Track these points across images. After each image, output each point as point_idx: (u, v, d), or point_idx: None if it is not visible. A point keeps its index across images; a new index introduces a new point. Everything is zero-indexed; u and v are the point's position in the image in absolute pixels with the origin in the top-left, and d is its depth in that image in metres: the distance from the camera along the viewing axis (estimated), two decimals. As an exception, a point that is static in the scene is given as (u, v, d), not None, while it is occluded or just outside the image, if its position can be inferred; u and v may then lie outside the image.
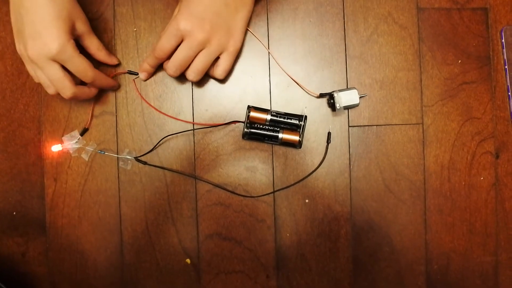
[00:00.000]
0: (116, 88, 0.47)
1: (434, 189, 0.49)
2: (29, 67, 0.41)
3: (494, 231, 0.50)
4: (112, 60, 0.46)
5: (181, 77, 0.48)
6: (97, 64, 0.46)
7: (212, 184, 0.48)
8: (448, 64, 0.49)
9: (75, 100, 0.47)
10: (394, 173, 0.49)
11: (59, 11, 0.38)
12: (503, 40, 0.49)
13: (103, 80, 0.44)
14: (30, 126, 0.48)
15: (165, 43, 0.41)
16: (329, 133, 0.48)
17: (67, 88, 0.40)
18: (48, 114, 0.48)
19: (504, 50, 0.49)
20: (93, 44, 0.44)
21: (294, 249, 0.49)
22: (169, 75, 0.43)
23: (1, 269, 0.47)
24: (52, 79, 0.40)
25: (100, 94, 0.47)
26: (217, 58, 0.44)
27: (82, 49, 0.43)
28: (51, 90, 0.41)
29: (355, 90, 0.47)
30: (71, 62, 0.39)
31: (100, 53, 0.45)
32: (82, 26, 0.41)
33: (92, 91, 0.45)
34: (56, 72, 0.39)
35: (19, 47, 0.40)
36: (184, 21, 0.40)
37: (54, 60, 0.39)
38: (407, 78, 0.49)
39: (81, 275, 0.48)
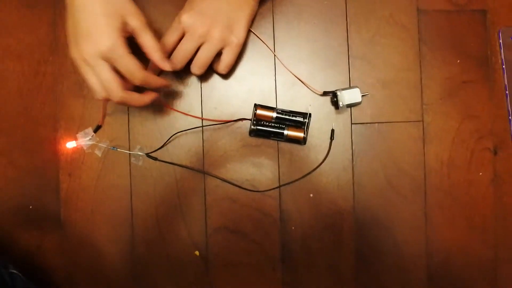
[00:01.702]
0: (169, 86, 0.45)
1: (434, 185, 0.51)
2: (82, 70, 0.40)
3: (493, 226, 0.51)
4: (165, 65, 0.42)
5: (190, 76, 0.50)
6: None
7: (220, 179, 0.50)
8: (447, 64, 0.51)
9: (125, 105, 0.45)
10: (396, 169, 0.51)
11: (107, 7, 0.37)
12: (501, 41, 0.51)
13: (153, 81, 0.42)
14: (46, 124, 0.50)
15: (168, 38, 0.44)
16: (332, 130, 0.50)
17: (115, 91, 0.39)
18: (63, 112, 0.50)
19: (502, 50, 0.51)
20: (148, 43, 0.41)
21: (299, 242, 0.50)
22: (172, 68, 0.43)
23: (18, 261, 0.49)
24: (102, 79, 0.39)
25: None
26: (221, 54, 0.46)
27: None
28: (98, 95, 0.40)
29: (357, 89, 0.48)
30: (120, 61, 0.38)
31: (154, 54, 0.41)
32: (134, 21, 0.39)
33: (145, 99, 0.42)
34: (105, 72, 0.39)
35: (73, 52, 0.39)
36: (185, 15, 0.43)
37: (105, 60, 0.38)
38: (408, 78, 0.51)
39: (94, 266, 0.50)
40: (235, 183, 0.50)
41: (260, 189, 0.50)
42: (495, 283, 0.51)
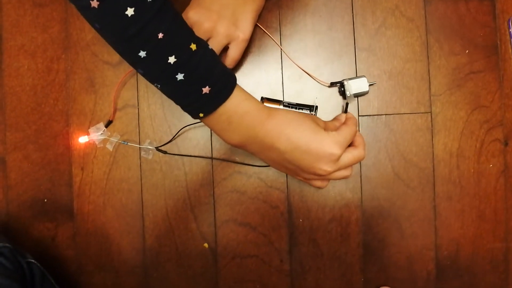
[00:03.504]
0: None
1: (443, 176, 0.51)
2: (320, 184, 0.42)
3: (504, 218, 0.51)
4: None
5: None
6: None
7: (232, 162, 0.50)
8: (455, 54, 0.51)
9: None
10: (403, 161, 0.50)
11: (313, 120, 0.40)
12: (511, 30, 0.50)
13: None
14: (59, 119, 0.51)
15: None
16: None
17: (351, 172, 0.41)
18: (75, 108, 0.51)
19: (512, 39, 0.50)
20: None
21: (306, 235, 0.51)
22: None
23: (33, 252, 0.50)
24: (343, 173, 0.40)
25: (122, 88, 0.51)
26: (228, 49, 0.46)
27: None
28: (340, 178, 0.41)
29: (365, 78, 0.48)
30: (352, 155, 0.40)
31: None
32: None
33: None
34: (346, 166, 0.40)
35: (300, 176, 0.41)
36: (192, 12, 0.44)
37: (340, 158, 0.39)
38: (415, 69, 0.50)
39: (105, 258, 0.51)
40: (243, 176, 0.50)
41: (267, 182, 0.50)
42: (506, 276, 0.51)
